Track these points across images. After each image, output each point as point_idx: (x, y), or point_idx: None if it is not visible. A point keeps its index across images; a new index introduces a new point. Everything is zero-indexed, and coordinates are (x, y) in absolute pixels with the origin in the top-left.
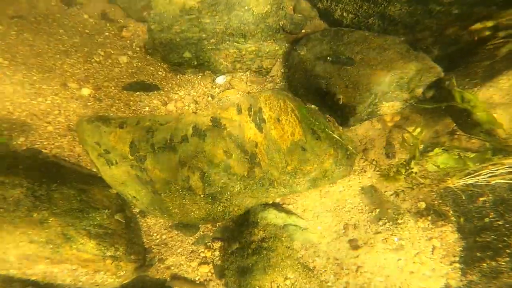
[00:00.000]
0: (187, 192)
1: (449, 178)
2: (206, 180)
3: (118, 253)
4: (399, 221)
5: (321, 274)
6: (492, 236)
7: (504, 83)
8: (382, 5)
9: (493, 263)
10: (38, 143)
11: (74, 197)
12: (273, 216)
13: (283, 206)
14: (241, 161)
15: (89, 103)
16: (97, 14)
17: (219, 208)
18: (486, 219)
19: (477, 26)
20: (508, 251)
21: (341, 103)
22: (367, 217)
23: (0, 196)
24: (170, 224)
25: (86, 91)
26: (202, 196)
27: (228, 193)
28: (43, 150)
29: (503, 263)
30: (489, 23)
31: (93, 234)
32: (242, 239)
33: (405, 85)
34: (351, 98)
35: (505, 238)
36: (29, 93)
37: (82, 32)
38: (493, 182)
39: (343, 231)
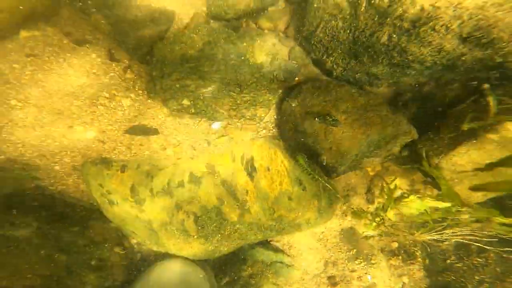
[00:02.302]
0: (181, 233)
1: (415, 232)
2: (199, 224)
3: (116, 283)
4: (373, 261)
5: None
6: (452, 277)
7: (463, 153)
8: (367, 65)
9: None
10: (46, 181)
11: (78, 234)
12: (260, 255)
13: (271, 242)
14: (232, 208)
15: (93, 145)
16: (104, 54)
17: (210, 247)
18: (448, 261)
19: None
20: None
21: (324, 163)
22: (345, 255)
23: (11, 235)
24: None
25: (91, 134)
26: (195, 237)
27: (219, 235)
28: (50, 188)
29: None
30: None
31: (94, 267)
32: (232, 273)
33: (383, 146)
34: (334, 160)
35: (462, 279)
36: (39, 135)
37: (90, 72)
38: (453, 241)
39: (324, 268)
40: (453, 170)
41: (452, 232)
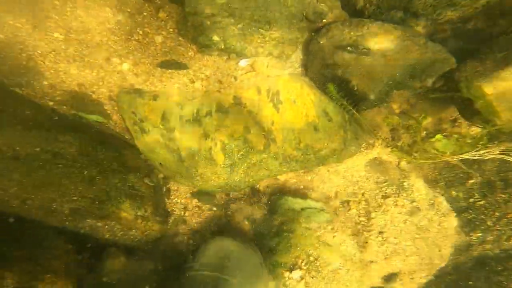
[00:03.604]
0: (209, 162)
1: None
2: (226, 151)
3: (147, 213)
4: (406, 184)
5: (341, 246)
6: (473, 215)
7: (508, 75)
8: None
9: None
10: (83, 109)
11: (114, 159)
12: (289, 203)
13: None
14: (258, 137)
15: (127, 77)
16: None
17: (236, 177)
18: (471, 200)
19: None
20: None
21: (355, 89)
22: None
23: (59, 152)
24: (190, 192)
25: (126, 66)
26: (222, 166)
27: (245, 164)
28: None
29: (474, 238)
30: None
31: (128, 195)
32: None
33: (417, 75)
34: (365, 86)
35: (482, 216)
36: (79, 65)
37: (125, 11)
38: (486, 158)
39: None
40: (495, 92)
41: (487, 152)
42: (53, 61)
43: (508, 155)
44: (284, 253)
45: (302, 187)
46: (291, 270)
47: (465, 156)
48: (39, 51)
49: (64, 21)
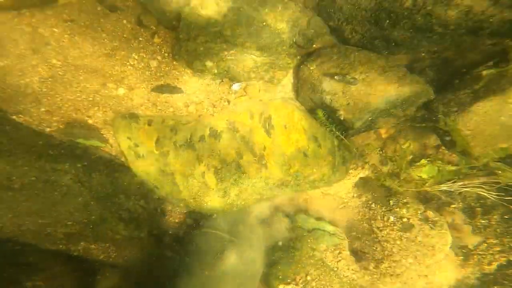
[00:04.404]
0: (202, 185)
1: (426, 183)
2: (219, 176)
3: (142, 234)
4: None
5: (343, 273)
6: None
7: (480, 109)
8: (387, 30)
9: None
10: (80, 133)
11: (109, 184)
12: (302, 221)
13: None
14: (250, 162)
15: (123, 102)
16: (134, 20)
17: (228, 201)
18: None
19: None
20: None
21: (342, 118)
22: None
23: (54, 181)
24: (184, 212)
25: (121, 91)
26: (214, 190)
27: (237, 189)
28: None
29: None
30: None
31: (123, 218)
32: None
33: (399, 105)
34: (351, 115)
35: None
36: (75, 91)
37: (121, 36)
38: (462, 190)
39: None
40: (468, 127)
41: (462, 184)
42: (50, 87)
43: (484, 188)
44: (285, 267)
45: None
46: (286, 284)
47: (443, 187)
48: (37, 78)
49: (62, 47)
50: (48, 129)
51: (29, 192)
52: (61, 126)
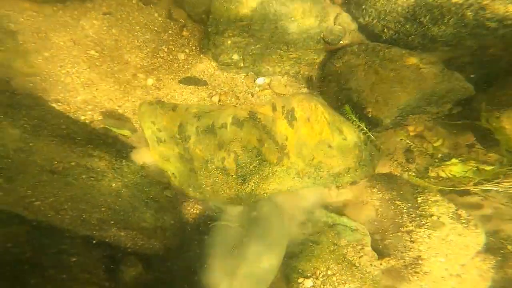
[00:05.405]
0: (221, 172)
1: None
2: (239, 162)
3: (166, 224)
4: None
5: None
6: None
7: None
8: (426, 26)
9: None
10: (111, 122)
11: (138, 172)
12: (323, 215)
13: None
14: (272, 150)
15: (150, 91)
16: (164, 14)
17: (247, 189)
18: None
19: None
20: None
21: (370, 115)
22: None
23: (90, 167)
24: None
25: (150, 81)
26: (234, 176)
27: (257, 176)
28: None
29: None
30: None
31: (150, 206)
32: None
33: (434, 101)
34: (380, 112)
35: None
36: (109, 81)
37: (152, 29)
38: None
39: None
40: None
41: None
42: (87, 77)
43: None
44: (305, 261)
45: None
46: (306, 278)
47: (487, 186)
48: (76, 68)
49: (100, 39)
50: (83, 117)
51: (69, 177)
52: (95, 115)
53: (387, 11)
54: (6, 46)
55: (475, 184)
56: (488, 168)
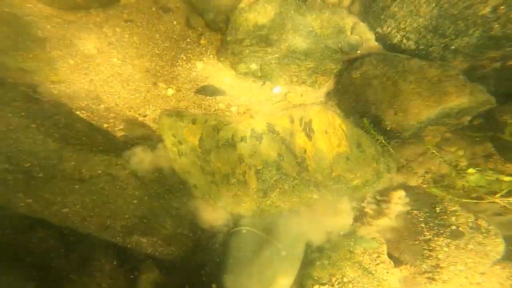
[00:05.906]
0: (242, 185)
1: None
2: (260, 176)
3: (185, 231)
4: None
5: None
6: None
7: None
8: (449, 38)
9: None
10: (131, 131)
11: (158, 181)
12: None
13: None
14: (291, 164)
15: (171, 102)
16: (183, 22)
17: (268, 202)
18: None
19: None
20: None
21: (388, 128)
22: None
23: (115, 175)
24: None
25: (170, 91)
26: (255, 189)
27: (278, 190)
28: (134, 138)
29: None
30: None
31: (170, 214)
32: None
33: (454, 114)
34: (399, 126)
35: None
36: (130, 89)
37: (171, 37)
38: None
39: None
40: None
41: None
42: (110, 85)
43: None
44: (320, 268)
45: None
46: (321, 284)
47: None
48: (99, 76)
49: (122, 47)
50: (105, 125)
51: (96, 186)
52: (116, 123)
53: (408, 22)
54: (34, 53)
55: (502, 196)
56: (507, 178)
